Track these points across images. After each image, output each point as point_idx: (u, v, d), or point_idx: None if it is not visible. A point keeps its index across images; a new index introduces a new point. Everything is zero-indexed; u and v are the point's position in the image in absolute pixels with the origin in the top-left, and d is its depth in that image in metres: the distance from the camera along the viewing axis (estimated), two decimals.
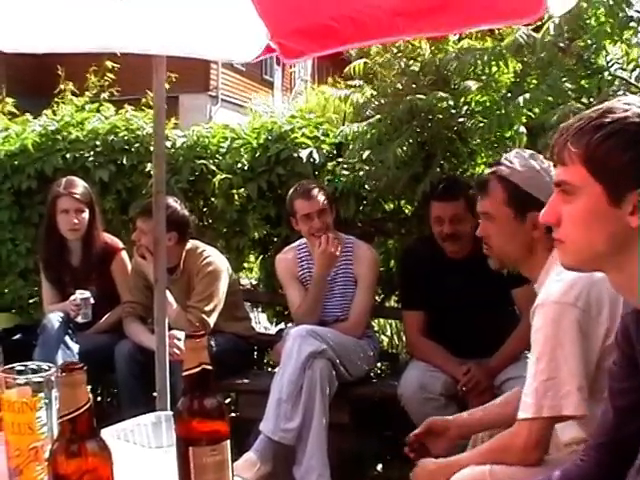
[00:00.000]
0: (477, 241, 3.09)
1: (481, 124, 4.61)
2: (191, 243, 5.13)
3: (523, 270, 2.94)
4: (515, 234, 2.87)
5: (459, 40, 4.96)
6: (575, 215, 1.82)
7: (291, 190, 4.86)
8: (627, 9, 4.01)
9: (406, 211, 5.55)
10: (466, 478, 2.53)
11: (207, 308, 4.90)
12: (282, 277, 5.01)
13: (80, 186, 5.21)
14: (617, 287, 1.88)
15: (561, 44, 4.30)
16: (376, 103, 4.98)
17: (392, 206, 5.63)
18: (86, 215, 5.19)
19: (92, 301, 5.05)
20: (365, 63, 5.11)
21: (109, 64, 6.89)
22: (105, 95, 6.81)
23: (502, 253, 2.94)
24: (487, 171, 3.09)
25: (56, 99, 6.81)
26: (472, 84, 4.60)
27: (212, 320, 4.91)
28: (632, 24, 3.99)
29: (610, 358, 2.53)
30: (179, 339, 4.46)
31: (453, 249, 4.44)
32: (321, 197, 4.74)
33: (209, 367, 1.83)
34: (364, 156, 5.17)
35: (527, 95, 4.19)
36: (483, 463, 2.57)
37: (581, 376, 2.50)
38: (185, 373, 1.83)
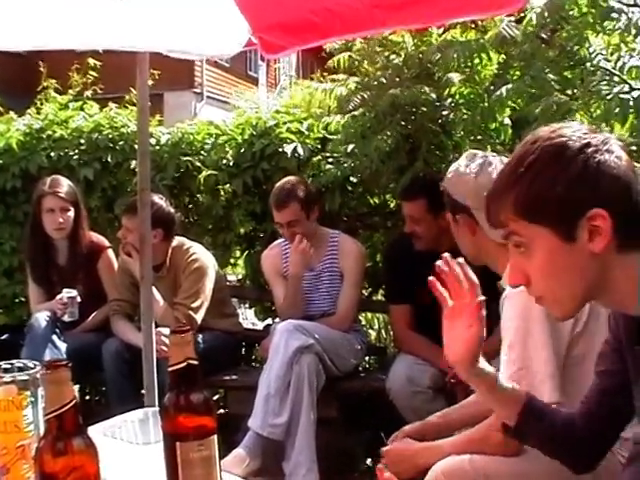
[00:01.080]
0: None
1: (464, 117, 4.62)
2: (177, 240, 5.12)
3: (489, 266, 3.00)
4: (458, 236, 3.03)
5: (443, 33, 4.96)
6: (539, 268, 1.77)
7: (272, 191, 4.86)
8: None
9: (392, 205, 5.55)
10: (447, 467, 2.55)
11: (194, 305, 4.90)
12: (268, 274, 5.02)
13: (65, 185, 5.19)
14: (612, 306, 1.86)
15: (543, 35, 4.30)
16: (359, 96, 4.97)
17: (378, 200, 5.63)
18: (71, 214, 5.17)
19: (79, 300, 5.03)
20: (349, 56, 5.12)
21: (92, 62, 6.87)
22: (89, 93, 6.79)
23: (464, 254, 2.96)
24: None
25: (39, 96, 6.79)
26: (455, 76, 4.61)
27: (199, 317, 4.91)
28: (614, 15, 3.98)
29: (579, 346, 2.62)
30: (166, 336, 4.44)
31: (418, 246, 4.46)
32: (293, 208, 4.70)
33: (195, 362, 1.83)
34: (348, 149, 5.17)
35: (509, 86, 4.19)
36: (463, 453, 2.60)
37: (552, 364, 2.54)
38: (171, 369, 1.83)
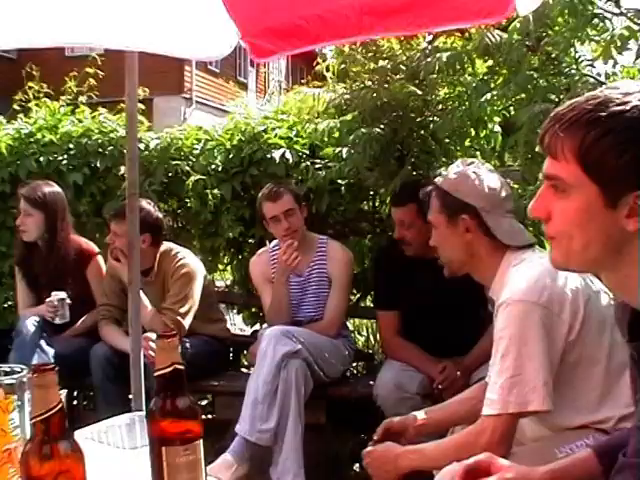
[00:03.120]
0: None
1: (449, 115, 4.61)
2: (165, 245, 5.13)
3: (474, 275, 3.01)
4: (449, 239, 2.96)
5: (432, 40, 4.97)
6: (568, 213, 1.69)
7: (260, 194, 4.87)
8: (590, 7, 4.00)
9: (380, 211, 5.56)
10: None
11: (182, 310, 4.90)
12: (256, 280, 5.02)
13: (36, 189, 5.21)
14: (612, 287, 1.80)
15: (528, 43, 4.30)
16: (347, 98, 4.97)
17: (367, 206, 5.64)
18: (37, 218, 5.18)
19: (69, 301, 5.03)
20: (338, 61, 5.13)
21: (90, 70, 6.87)
22: (82, 99, 6.79)
23: (447, 260, 3.04)
24: None
25: (24, 97, 6.79)
26: (441, 81, 4.62)
27: (187, 322, 4.91)
28: (595, 21, 3.99)
29: (573, 353, 2.63)
30: (153, 341, 4.44)
31: (408, 252, 4.48)
32: (288, 198, 4.73)
33: (181, 367, 1.84)
34: (337, 151, 5.18)
35: (494, 92, 4.19)
36: (448, 458, 2.56)
37: (546, 372, 2.57)
38: (157, 373, 1.84)
